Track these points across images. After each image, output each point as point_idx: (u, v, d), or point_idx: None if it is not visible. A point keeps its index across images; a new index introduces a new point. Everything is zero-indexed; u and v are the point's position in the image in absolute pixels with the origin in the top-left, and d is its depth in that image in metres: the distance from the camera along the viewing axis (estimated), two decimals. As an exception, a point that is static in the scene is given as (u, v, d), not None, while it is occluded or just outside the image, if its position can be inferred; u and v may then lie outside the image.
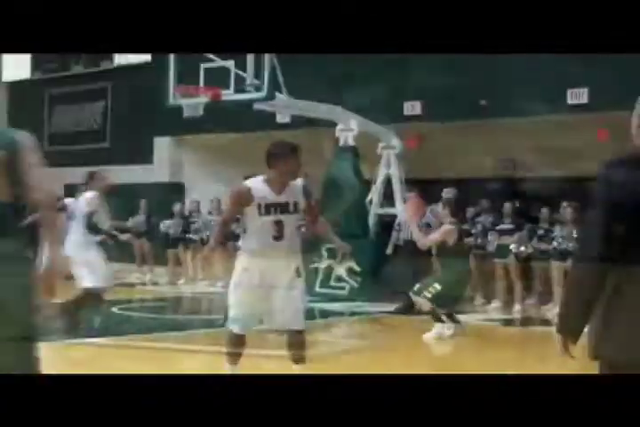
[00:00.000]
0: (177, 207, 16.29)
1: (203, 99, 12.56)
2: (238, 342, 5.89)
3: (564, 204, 12.17)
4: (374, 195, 14.11)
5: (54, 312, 8.71)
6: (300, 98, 13.10)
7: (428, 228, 11.07)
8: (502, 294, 12.87)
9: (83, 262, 9.00)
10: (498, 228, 12.79)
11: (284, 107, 13.59)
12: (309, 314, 11.86)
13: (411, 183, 13.95)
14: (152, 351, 8.44)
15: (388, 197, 14.30)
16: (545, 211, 12.52)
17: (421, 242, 9.59)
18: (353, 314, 11.97)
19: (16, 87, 22.18)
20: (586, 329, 3.11)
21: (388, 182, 14.13)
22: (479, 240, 13.09)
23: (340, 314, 11.99)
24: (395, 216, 13.81)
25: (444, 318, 9.53)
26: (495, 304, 12.86)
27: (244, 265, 5.78)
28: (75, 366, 7.05)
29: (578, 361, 3.18)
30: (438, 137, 15.79)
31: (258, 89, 12.24)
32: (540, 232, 12.35)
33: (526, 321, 11.84)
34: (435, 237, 9.63)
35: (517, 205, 13.47)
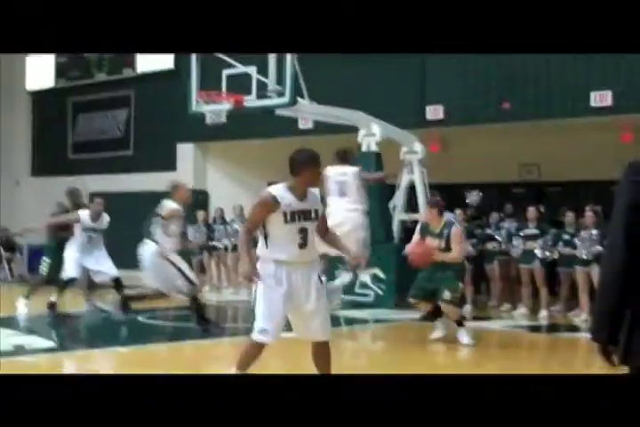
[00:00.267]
0: (200, 214, 16.31)
1: (225, 105, 12.57)
2: (259, 351, 5.78)
3: (587, 208, 12.07)
4: (397, 200, 14.05)
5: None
6: (322, 103, 13.07)
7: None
8: (528, 300, 12.77)
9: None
10: (522, 233, 12.68)
11: (307, 112, 13.57)
12: (334, 321, 11.88)
13: (434, 188, 13.87)
14: (176, 360, 8.43)
15: (411, 203, 14.23)
16: (570, 215, 12.40)
17: (458, 256, 9.41)
18: (378, 321, 11.91)
19: (40, 96, 22.31)
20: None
21: (411, 188, 14.06)
22: (503, 246, 13.00)
23: (365, 321, 11.93)
24: (418, 222, 13.73)
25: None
26: (521, 310, 12.76)
27: (270, 274, 5.67)
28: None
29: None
30: (461, 141, 15.74)
31: (280, 95, 12.21)
32: (566, 237, 12.23)
33: (553, 327, 11.74)
34: (462, 246, 9.54)
35: (542, 209, 13.36)
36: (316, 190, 5.88)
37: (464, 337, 9.38)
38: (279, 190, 5.68)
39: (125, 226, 13.95)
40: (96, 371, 7.71)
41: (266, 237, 5.73)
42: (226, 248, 15.48)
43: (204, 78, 12.88)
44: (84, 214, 11.56)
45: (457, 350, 9.31)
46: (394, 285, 12.78)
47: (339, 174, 10.18)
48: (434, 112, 14.87)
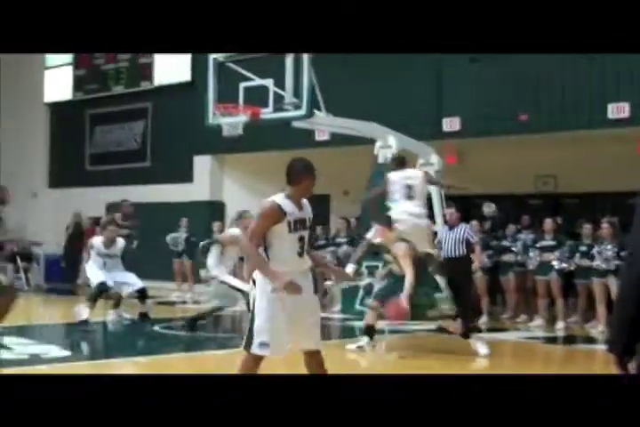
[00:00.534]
0: (216, 225, 16.35)
1: (242, 117, 12.62)
2: (257, 365, 5.56)
3: (604, 220, 12.05)
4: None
5: None
6: (339, 115, 13.11)
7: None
8: (544, 312, 12.74)
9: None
10: (539, 245, 12.66)
11: (323, 125, 13.61)
12: (350, 332, 11.89)
13: (450, 200, 13.86)
14: (192, 370, 8.44)
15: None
16: (587, 227, 12.38)
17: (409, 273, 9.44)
18: (394, 332, 11.89)
19: (58, 108, 22.47)
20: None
21: (427, 199, 14.03)
22: (519, 257, 12.97)
23: (382, 332, 11.91)
24: (435, 233, 13.72)
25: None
26: (537, 322, 12.73)
27: (274, 286, 5.43)
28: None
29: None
30: (477, 153, 15.73)
31: (297, 107, 12.27)
32: (583, 249, 12.21)
33: (569, 339, 11.70)
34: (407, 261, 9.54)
35: (559, 221, 13.33)
36: (305, 200, 5.74)
37: (479, 347, 9.41)
38: (281, 199, 5.57)
39: (143, 237, 14.05)
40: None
41: (266, 249, 5.54)
42: (242, 259, 15.48)
43: (221, 91, 12.95)
44: (97, 241, 11.67)
45: (472, 360, 9.29)
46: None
47: (405, 178, 10.21)
48: (450, 124, 14.88)
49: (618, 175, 13.47)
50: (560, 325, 12.27)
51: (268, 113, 12.45)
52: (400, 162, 10.68)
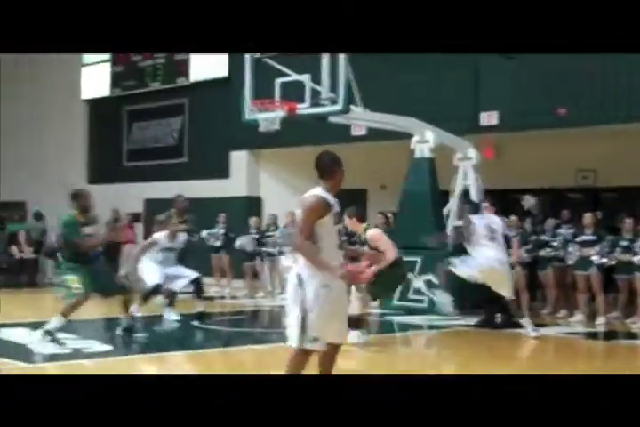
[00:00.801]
0: (253, 221, 16.39)
1: (279, 113, 12.62)
2: (308, 359, 5.56)
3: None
4: (452, 206, 13.98)
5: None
6: (376, 110, 13.07)
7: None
8: (585, 307, 12.62)
9: None
10: (579, 239, 12.54)
11: (360, 119, 13.58)
12: (388, 327, 11.87)
13: (488, 194, 13.78)
14: (229, 365, 8.47)
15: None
16: (628, 222, 12.26)
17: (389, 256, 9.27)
18: (432, 327, 11.86)
19: (96, 105, 22.63)
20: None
21: (465, 194, 13.98)
22: (559, 252, 12.86)
23: (419, 327, 11.89)
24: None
25: None
26: (577, 317, 12.62)
27: (323, 281, 5.45)
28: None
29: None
30: (515, 147, 15.62)
31: (333, 102, 12.24)
32: (623, 243, 12.09)
33: (610, 334, 11.59)
34: (388, 245, 9.38)
35: (599, 216, 13.20)
36: None
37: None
38: (323, 193, 5.55)
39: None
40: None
41: (314, 243, 5.49)
42: (279, 254, 15.51)
43: (258, 86, 12.95)
44: (160, 236, 11.62)
45: (508, 356, 9.23)
46: (448, 291, 12.69)
47: (488, 221, 10.46)
48: (488, 118, 14.78)
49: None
50: (600, 320, 12.15)
51: (304, 108, 12.44)
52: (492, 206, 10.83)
